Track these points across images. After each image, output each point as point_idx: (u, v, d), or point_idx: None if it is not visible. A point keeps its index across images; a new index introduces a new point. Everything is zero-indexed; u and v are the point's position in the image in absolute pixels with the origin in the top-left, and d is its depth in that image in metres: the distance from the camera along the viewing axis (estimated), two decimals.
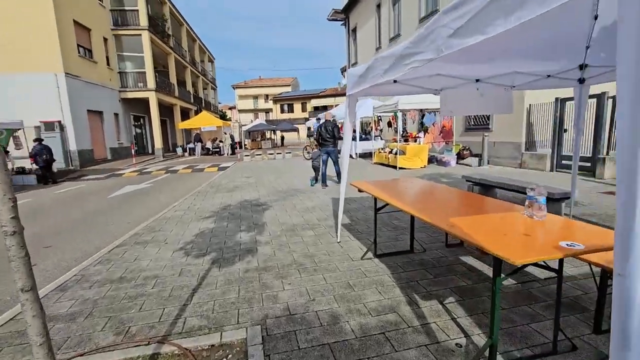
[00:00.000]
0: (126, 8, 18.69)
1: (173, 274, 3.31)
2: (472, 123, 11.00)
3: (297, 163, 13.99)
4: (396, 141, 11.39)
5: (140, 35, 18.63)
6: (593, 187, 6.46)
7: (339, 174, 7.80)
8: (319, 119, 15.95)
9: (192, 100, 28.33)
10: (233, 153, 23.52)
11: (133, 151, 15.77)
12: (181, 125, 22.81)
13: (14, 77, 13.51)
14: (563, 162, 8.27)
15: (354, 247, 3.84)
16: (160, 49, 21.62)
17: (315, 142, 8.21)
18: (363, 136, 14.34)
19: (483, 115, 10.52)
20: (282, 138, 36.09)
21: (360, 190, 3.63)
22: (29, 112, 12.91)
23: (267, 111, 56.51)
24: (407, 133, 11.06)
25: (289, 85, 58.57)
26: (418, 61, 1.95)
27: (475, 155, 10.52)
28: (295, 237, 4.28)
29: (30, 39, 13.43)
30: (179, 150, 23.75)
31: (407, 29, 14.83)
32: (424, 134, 10.29)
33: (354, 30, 21.70)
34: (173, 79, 23.65)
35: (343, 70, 52.98)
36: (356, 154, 14.26)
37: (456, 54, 1.68)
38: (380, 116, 12.31)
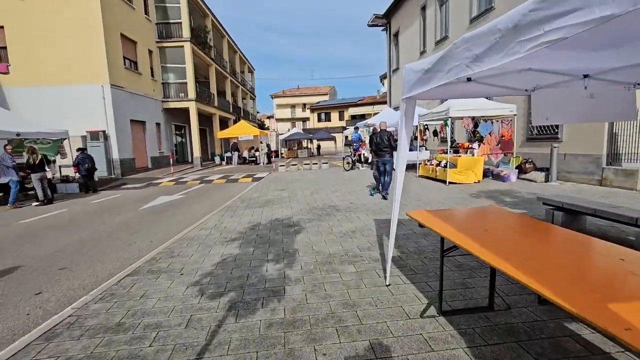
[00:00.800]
0: (170, 21, 19.31)
1: (180, 324, 2.64)
2: (536, 131, 9.59)
3: (334, 175, 13.24)
4: (445, 152, 10.26)
5: (182, 46, 19.11)
6: None
7: (387, 185, 7.45)
8: (357, 128, 15.18)
9: (231, 110, 28.79)
10: (269, 162, 23.34)
11: (172, 160, 15.93)
12: (219, 134, 23.07)
13: (63, 88, 14.19)
14: None
15: (409, 295, 2.95)
16: (202, 60, 22.12)
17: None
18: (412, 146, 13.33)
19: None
20: (319, 147, 35.67)
21: (421, 226, 2.75)
22: (76, 122, 13.43)
23: (305, 120, 56.70)
24: (458, 143, 9.89)
25: (327, 94, 58.48)
26: (569, 26, 1.07)
27: (540, 169, 9.10)
28: (333, 274, 3.47)
29: (79, 53, 14.06)
30: (217, 159, 24.03)
31: (455, 31, 13.66)
32: (479, 145, 9.08)
33: (396, 34, 20.76)
34: (213, 89, 24.10)
35: (383, 77, 51.95)
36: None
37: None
38: (426, 125, 11.23)
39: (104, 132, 14.28)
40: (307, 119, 55.94)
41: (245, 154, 23.78)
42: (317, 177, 12.39)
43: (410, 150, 13.07)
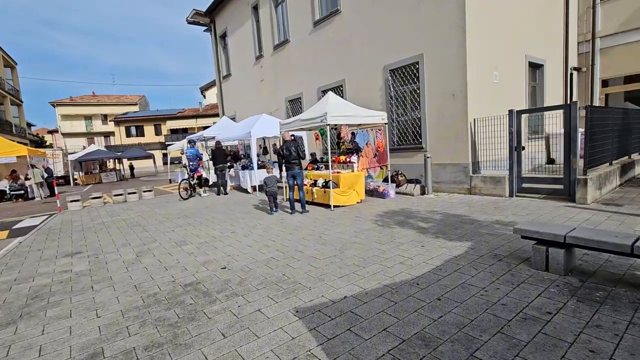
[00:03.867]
0: None
1: None
2: (398, 141, 9.15)
3: (169, 209, 9.31)
4: (315, 168, 8.45)
5: None
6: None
7: (302, 200, 7.20)
8: (192, 142, 11.60)
9: None
10: (52, 194, 15.88)
11: None
12: None
13: None
14: (524, 185, 7.02)
15: None
16: None
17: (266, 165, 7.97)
18: (260, 163, 10.87)
19: (413, 132, 8.79)
20: (132, 168, 28.41)
21: None
22: None
23: (108, 135, 45.58)
24: (322, 157, 8.29)
25: (136, 104, 49.20)
26: None
27: (410, 181, 8.61)
28: None
29: None
30: None
31: (297, 34, 12.41)
32: (358, 158, 7.71)
33: (223, 36, 18.15)
34: None
35: (204, 89, 47.80)
36: (253, 187, 10.61)
37: None
38: (294, 135, 9.16)
39: None
40: (112, 133, 45.03)
41: (4, 184, 15.33)
42: (140, 217, 8.22)
43: (264, 167, 10.77)
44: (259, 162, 10.89)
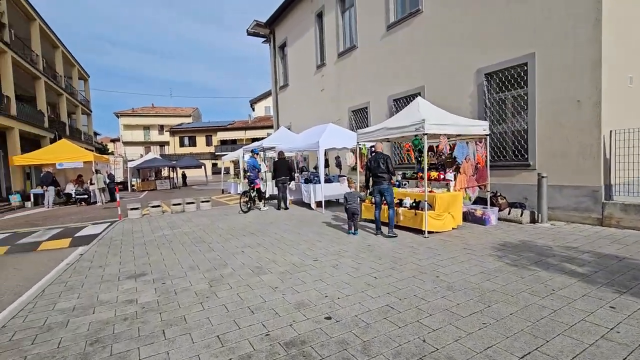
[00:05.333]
0: None
1: None
2: (493, 156, 7.71)
3: (231, 222, 8.60)
4: (400, 185, 7.26)
5: None
6: None
7: (391, 220, 6.03)
8: (254, 152, 10.99)
9: (46, 125, 19.77)
10: (112, 199, 16.19)
11: None
12: (16, 160, 14.57)
13: None
14: None
15: None
16: None
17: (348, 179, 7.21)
18: (328, 176, 9.93)
19: (516, 145, 7.33)
20: (184, 176, 29.05)
21: None
22: None
23: (163, 144, 47.88)
24: (416, 172, 7.07)
25: (190, 115, 51.48)
26: None
27: (512, 205, 7.12)
28: None
29: None
30: (16, 199, 15.18)
31: (367, 39, 11.52)
32: (455, 174, 6.43)
33: (282, 47, 17.86)
34: (8, 90, 15.51)
35: (252, 102, 48.94)
36: (317, 203, 9.65)
37: None
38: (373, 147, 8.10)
39: None
40: (167, 143, 47.30)
41: (70, 188, 15.86)
42: (202, 231, 7.52)
43: (330, 181, 9.80)
44: (326, 175, 9.91)
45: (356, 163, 8.08)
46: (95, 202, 15.54)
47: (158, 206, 10.49)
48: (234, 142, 45.39)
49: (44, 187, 14.70)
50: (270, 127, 42.94)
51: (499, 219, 6.87)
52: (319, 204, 9.59)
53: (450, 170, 6.45)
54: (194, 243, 6.31)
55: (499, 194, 7.29)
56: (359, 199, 6.48)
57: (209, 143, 46.44)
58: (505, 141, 7.62)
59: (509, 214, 6.91)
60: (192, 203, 10.90)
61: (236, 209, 10.37)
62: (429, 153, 7.07)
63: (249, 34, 19.25)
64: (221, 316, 3.21)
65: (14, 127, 15.90)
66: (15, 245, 6.94)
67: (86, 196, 15.52)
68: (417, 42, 9.61)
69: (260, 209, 10.12)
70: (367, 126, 11.55)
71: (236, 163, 21.33)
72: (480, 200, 7.30)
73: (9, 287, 4.56)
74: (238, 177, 16.70)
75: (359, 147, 7.80)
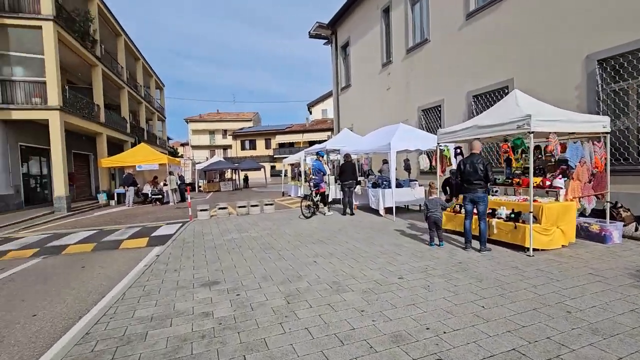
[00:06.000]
0: None
1: None
2: (619, 159, 6.33)
3: (295, 227, 8.33)
4: (493, 193, 6.27)
5: (40, 27, 12.42)
6: None
7: (484, 234, 5.14)
8: (320, 154, 10.66)
9: (128, 130, 21.73)
10: (182, 199, 17.13)
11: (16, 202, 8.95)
12: (104, 162, 16.10)
13: None
14: None
15: None
16: (79, 56, 15.43)
17: (431, 184, 5.91)
18: (398, 180, 9.19)
19: None
20: (246, 178, 30.11)
21: None
22: None
23: (226, 148, 50.53)
24: (511, 177, 6.05)
25: (250, 120, 53.72)
26: None
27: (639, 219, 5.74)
28: None
29: None
30: (103, 198, 16.78)
31: (440, 31, 10.56)
32: (565, 181, 5.33)
33: (345, 46, 17.46)
34: (98, 100, 17.26)
35: (309, 106, 49.48)
36: (385, 209, 8.96)
37: None
38: (459, 147, 7.23)
39: None
40: (229, 146, 49.85)
41: (147, 189, 17.13)
42: (270, 236, 7.30)
43: (400, 186, 9.05)
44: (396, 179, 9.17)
45: (435, 166, 7.23)
46: (167, 202, 16.54)
47: (225, 208, 10.66)
48: (291, 144, 46.29)
49: (126, 187, 16.03)
50: (327, 129, 42.95)
51: (622, 235, 5.57)
52: (388, 210, 8.89)
53: (557, 175, 5.35)
54: (263, 249, 6.06)
55: (620, 205, 5.96)
56: (441, 207, 5.69)
57: (267, 146, 47.92)
58: (629, 140, 6.23)
59: (635, 230, 5.58)
60: (256, 206, 10.89)
61: (298, 213, 10.10)
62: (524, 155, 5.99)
63: (310, 36, 19.21)
64: (306, 344, 2.76)
65: (102, 133, 17.66)
66: (100, 243, 7.37)
67: (160, 196, 16.60)
68: (504, 29, 8.47)
69: (324, 214, 9.72)
70: (441, 126, 10.58)
71: (296, 166, 21.44)
72: (593, 213, 6.03)
73: (94, 287, 4.66)
74: (298, 180, 16.61)
75: (440, 149, 6.95)
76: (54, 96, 12.69)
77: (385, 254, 5.36)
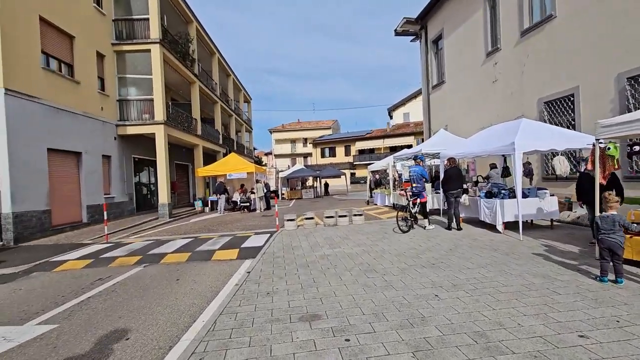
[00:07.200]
0: (134, 17, 14.17)
1: None
2: None
3: (394, 245, 7.24)
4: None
5: (149, 50, 13.81)
6: None
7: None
8: (419, 159, 9.36)
9: (220, 141, 23.25)
10: (268, 207, 17.36)
11: (105, 214, 9.82)
12: (200, 171, 17.22)
13: None
14: None
15: None
16: (180, 74, 16.87)
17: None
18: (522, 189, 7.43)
19: None
20: (326, 185, 29.89)
21: None
22: None
23: (306, 156, 51.65)
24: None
25: (330, 127, 54.13)
26: None
27: None
28: None
29: None
30: (199, 204, 17.97)
31: (568, 3, 8.43)
32: None
33: (436, 40, 15.81)
34: (196, 114, 18.67)
35: (390, 110, 47.69)
36: (504, 224, 7.24)
37: None
38: (637, 143, 5.42)
39: None
40: (310, 154, 50.87)
41: (236, 196, 17.82)
42: (367, 254, 6.34)
43: (527, 195, 7.26)
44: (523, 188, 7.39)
45: (590, 170, 5.39)
46: (254, 210, 16.90)
47: (311, 218, 10.08)
48: (371, 151, 45.10)
49: (218, 195, 16.85)
50: (410, 134, 40.64)
51: None
52: (507, 225, 7.17)
53: None
54: (363, 272, 5.11)
55: None
56: (621, 227, 4.01)
57: (347, 153, 47.54)
58: None
59: None
60: (345, 216, 10.06)
61: (391, 225, 8.95)
62: None
63: (397, 33, 18.01)
64: None
65: (199, 144, 19.05)
66: (195, 252, 7.32)
67: (248, 204, 17.07)
68: None
69: (424, 227, 8.39)
70: (574, 120, 8.44)
71: (377, 173, 20.25)
72: None
73: (187, 306, 4.28)
74: (386, 188, 15.40)
75: (601, 147, 5.08)
76: (159, 111, 13.95)
77: (536, 291, 3.92)
